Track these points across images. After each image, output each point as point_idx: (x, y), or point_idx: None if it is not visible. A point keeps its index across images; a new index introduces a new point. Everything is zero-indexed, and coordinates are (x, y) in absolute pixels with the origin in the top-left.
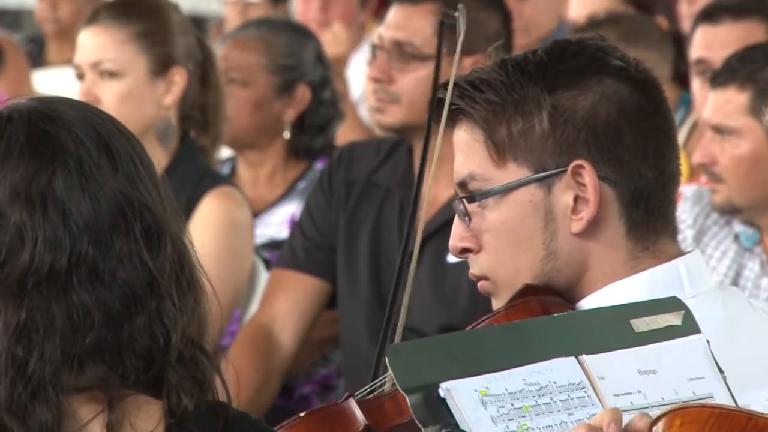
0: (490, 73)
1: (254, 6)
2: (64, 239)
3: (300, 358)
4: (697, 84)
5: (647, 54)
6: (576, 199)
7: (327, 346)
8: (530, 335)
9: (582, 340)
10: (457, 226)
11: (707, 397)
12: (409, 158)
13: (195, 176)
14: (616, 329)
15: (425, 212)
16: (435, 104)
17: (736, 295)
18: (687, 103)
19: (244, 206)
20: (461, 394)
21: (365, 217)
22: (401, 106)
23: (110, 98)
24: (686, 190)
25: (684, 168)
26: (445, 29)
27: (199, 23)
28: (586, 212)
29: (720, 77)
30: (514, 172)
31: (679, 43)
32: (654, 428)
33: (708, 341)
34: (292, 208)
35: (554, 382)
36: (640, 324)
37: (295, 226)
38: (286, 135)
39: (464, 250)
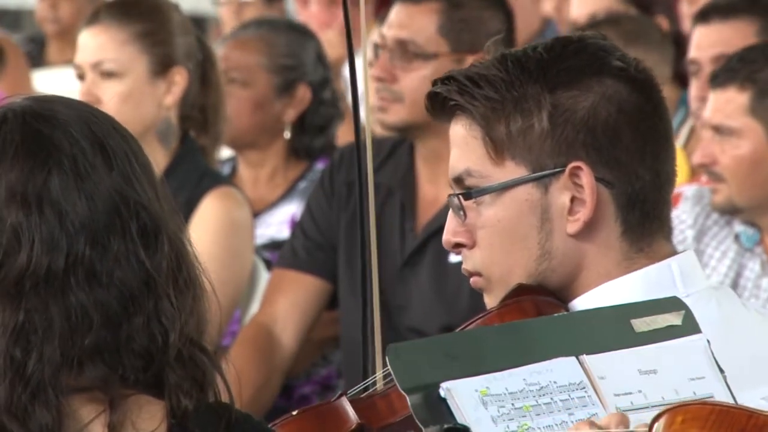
0: (489, 68)
1: (249, 6)
2: (60, 240)
3: (300, 358)
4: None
5: (647, 54)
6: (572, 200)
7: (327, 347)
8: (530, 335)
9: (582, 340)
10: (452, 221)
11: (708, 397)
12: (410, 158)
13: (195, 176)
14: (617, 329)
15: (426, 213)
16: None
17: (730, 295)
18: (687, 102)
19: (245, 206)
20: (461, 394)
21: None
22: (404, 105)
23: (110, 98)
24: (686, 190)
25: (684, 168)
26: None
27: (199, 23)
28: (583, 214)
29: (720, 77)
30: (512, 170)
31: (679, 43)
32: (655, 425)
33: (708, 341)
34: (292, 208)
35: (555, 382)
36: (641, 324)
37: (296, 226)
38: (287, 135)
39: (458, 245)
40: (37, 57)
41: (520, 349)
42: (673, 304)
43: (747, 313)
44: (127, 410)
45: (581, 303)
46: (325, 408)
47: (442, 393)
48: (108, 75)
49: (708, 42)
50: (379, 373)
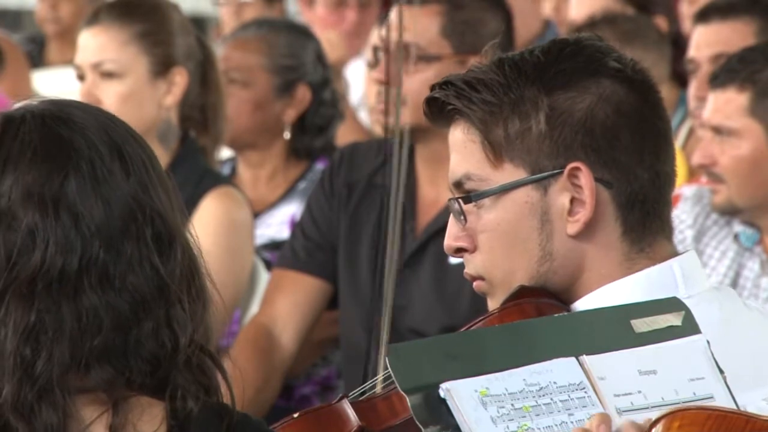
0: (486, 72)
1: (248, 6)
2: (75, 242)
3: (300, 358)
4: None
5: (645, 54)
6: (572, 200)
7: (327, 347)
8: (530, 336)
9: (582, 341)
10: (452, 226)
11: (707, 398)
12: (410, 159)
13: (195, 176)
14: (617, 329)
15: (426, 214)
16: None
17: (732, 296)
18: (686, 102)
19: (245, 206)
20: (461, 394)
21: (366, 218)
22: (407, 108)
23: (111, 99)
24: (686, 190)
25: (682, 168)
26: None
27: (199, 23)
28: (582, 214)
29: (720, 78)
30: (511, 173)
31: (679, 42)
32: (653, 430)
33: (708, 342)
34: (292, 209)
35: (554, 383)
36: (641, 324)
37: (296, 226)
38: (287, 135)
39: (459, 250)
40: (37, 57)
41: (520, 349)
42: (672, 304)
43: (749, 313)
44: (129, 411)
45: (583, 305)
46: (326, 410)
47: (441, 393)
48: (108, 76)
49: (706, 42)
50: (381, 375)
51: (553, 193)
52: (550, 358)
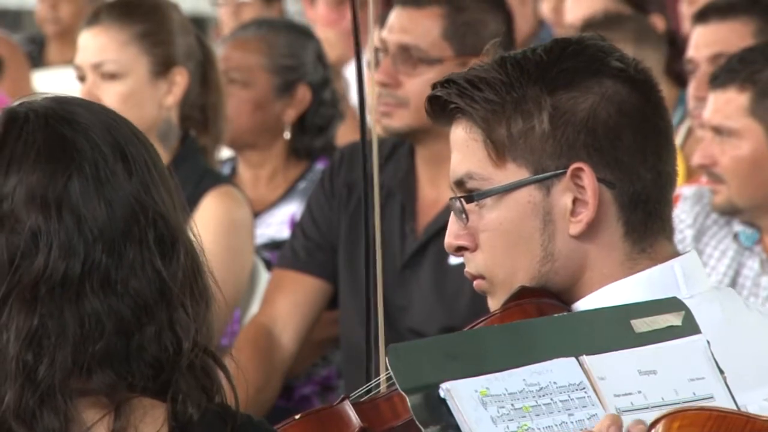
0: (489, 71)
1: (247, 6)
2: (78, 246)
3: (300, 358)
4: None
5: (654, 54)
6: (575, 201)
7: (327, 347)
8: (530, 335)
9: (582, 341)
10: (453, 224)
11: (707, 398)
12: (410, 160)
13: (195, 176)
14: (617, 330)
15: (426, 214)
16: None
17: (733, 295)
18: (685, 102)
19: (245, 206)
20: (461, 394)
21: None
22: (409, 110)
23: (112, 99)
24: (686, 190)
25: (681, 168)
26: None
27: (199, 23)
28: (585, 215)
29: (720, 78)
30: (513, 172)
31: (676, 42)
32: (653, 431)
33: (708, 342)
34: (292, 209)
35: (554, 383)
36: (641, 324)
37: (296, 226)
38: (287, 135)
39: (460, 248)
40: (37, 57)
41: (520, 349)
42: (672, 304)
43: (749, 313)
44: (131, 414)
45: (584, 305)
46: (327, 412)
47: (441, 393)
48: (109, 76)
49: (705, 42)
50: (383, 376)
51: (556, 194)
52: (550, 358)
